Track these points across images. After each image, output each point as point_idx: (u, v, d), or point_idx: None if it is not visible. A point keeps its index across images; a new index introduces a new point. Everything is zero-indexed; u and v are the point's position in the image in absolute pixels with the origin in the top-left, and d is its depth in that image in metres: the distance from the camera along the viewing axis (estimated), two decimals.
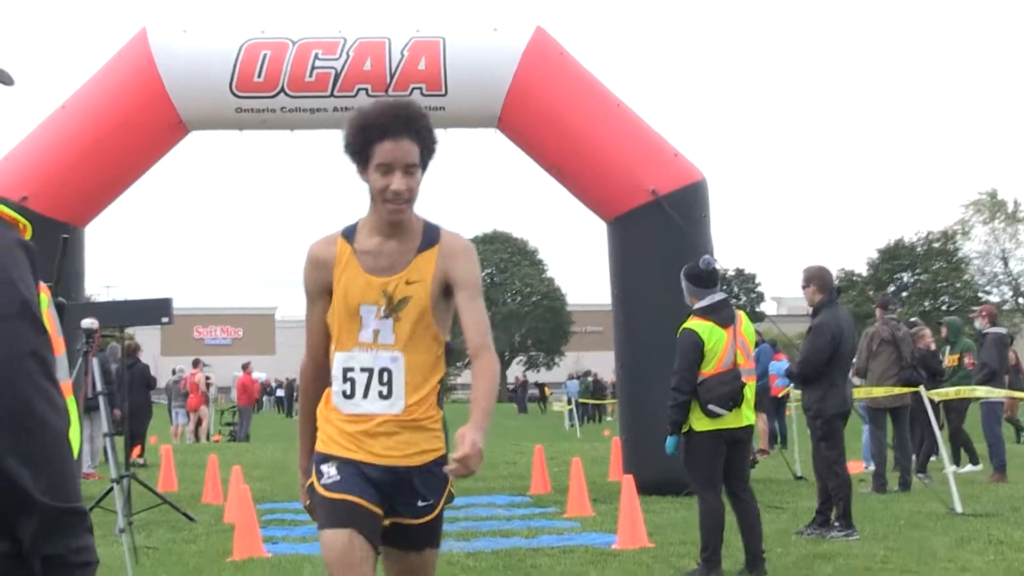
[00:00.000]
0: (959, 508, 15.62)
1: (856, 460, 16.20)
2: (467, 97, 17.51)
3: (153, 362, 30.75)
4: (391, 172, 5.08)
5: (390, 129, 5.04)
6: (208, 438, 39.33)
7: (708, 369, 11.04)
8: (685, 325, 11.30)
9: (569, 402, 48.31)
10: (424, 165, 5.21)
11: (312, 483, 5.34)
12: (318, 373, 5.43)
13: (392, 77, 17.44)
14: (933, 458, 21.03)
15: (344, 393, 5.24)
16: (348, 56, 17.47)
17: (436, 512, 5.33)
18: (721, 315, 11.31)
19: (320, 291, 5.39)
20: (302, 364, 5.53)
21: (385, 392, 5.18)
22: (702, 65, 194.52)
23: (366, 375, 5.20)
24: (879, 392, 17.80)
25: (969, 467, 21.49)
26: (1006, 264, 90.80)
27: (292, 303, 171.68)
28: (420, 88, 17.40)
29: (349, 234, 5.39)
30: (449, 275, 5.26)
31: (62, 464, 2.89)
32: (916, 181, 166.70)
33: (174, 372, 41.14)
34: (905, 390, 17.86)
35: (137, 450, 25.60)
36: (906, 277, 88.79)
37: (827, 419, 13.66)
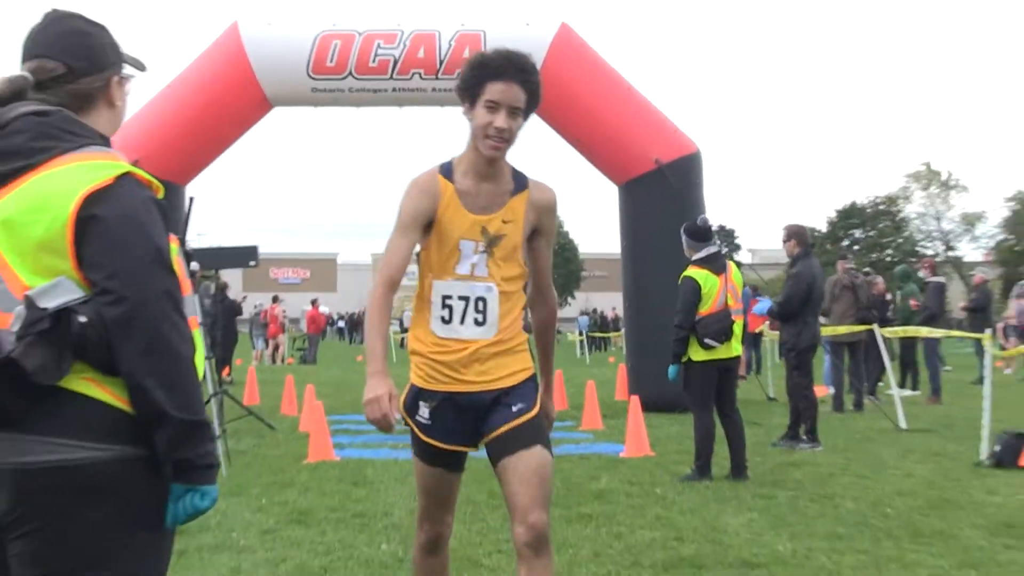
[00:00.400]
0: (903, 425, 15.61)
1: (820, 385, 16.17)
2: None
3: (236, 298, 30.85)
4: (497, 110, 4.69)
5: (504, 72, 4.69)
6: (283, 361, 39.47)
7: (704, 309, 11.09)
8: (685, 273, 11.29)
9: (580, 334, 48.23)
10: (526, 115, 4.82)
11: (406, 412, 5.04)
12: (391, 292, 4.83)
13: (441, 63, 17.39)
14: (880, 383, 21.02)
15: (443, 319, 4.87)
16: (405, 45, 17.42)
17: (533, 413, 4.86)
18: (715, 264, 11.32)
19: (419, 221, 4.84)
20: (375, 285, 4.88)
21: (480, 319, 4.85)
22: (697, 53, 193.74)
23: (463, 303, 4.85)
24: (841, 330, 17.77)
25: (909, 392, 21.43)
26: (939, 223, 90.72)
27: (352, 249, 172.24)
28: None
29: (447, 173, 4.92)
30: (538, 222, 4.98)
31: (190, 385, 2.96)
32: (868, 152, 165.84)
33: (255, 306, 41.41)
34: (861, 328, 17.83)
35: (226, 371, 25.70)
36: (857, 234, 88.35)
37: (800, 351, 13.64)
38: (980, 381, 23.94)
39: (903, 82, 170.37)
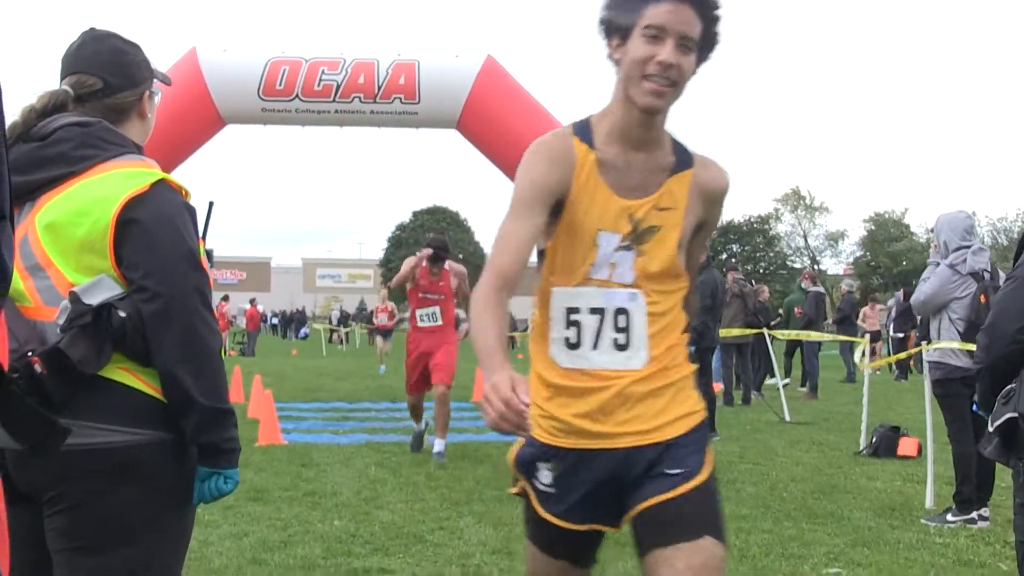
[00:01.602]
0: (788, 418, 15.75)
1: (717, 382, 16.32)
2: (434, 105, 17.46)
3: None
4: (661, 40, 2.94)
5: None
6: (225, 354, 39.08)
7: None
8: None
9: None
10: (701, 57, 3.04)
11: (521, 473, 3.27)
12: (503, 289, 2.93)
13: (380, 88, 17.31)
14: (771, 380, 21.23)
15: (567, 341, 3.10)
16: (347, 72, 17.31)
17: (699, 479, 3.02)
18: None
19: (546, 197, 3.02)
20: (482, 279, 2.97)
21: (622, 341, 3.08)
22: (607, 80, 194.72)
23: (596, 318, 3.07)
24: (735, 332, 17.93)
25: (787, 381, 21.69)
26: (806, 240, 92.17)
27: (284, 254, 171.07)
28: (400, 97, 17.28)
29: (584, 134, 3.11)
30: (705, 214, 3.22)
31: (217, 375, 2.97)
32: (743, 176, 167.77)
33: None
34: (749, 331, 18.03)
35: None
36: (735, 248, 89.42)
37: (701, 351, 13.68)
38: (848, 379, 24.33)
39: (776, 111, 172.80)
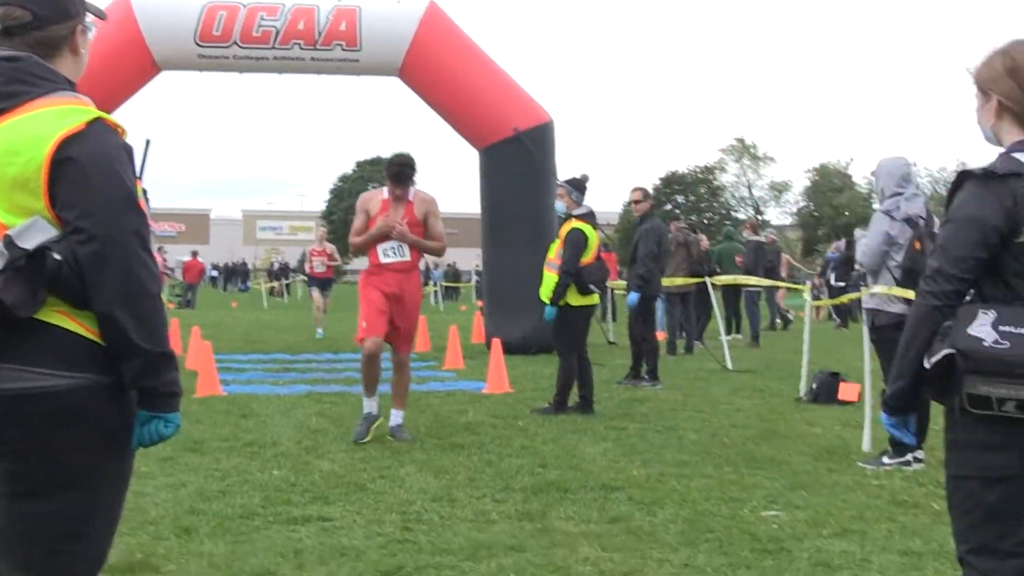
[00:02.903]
0: (730, 366, 15.93)
1: (661, 331, 16.44)
2: (376, 52, 17.34)
3: None
4: None
5: None
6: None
7: (586, 259, 11.08)
8: (574, 226, 11.18)
9: (435, 284, 48.10)
10: None
11: None
12: None
13: (320, 35, 17.17)
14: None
15: None
16: (286, 18, 17.14)
17: None
18: (593, 220, 11.38)
19: None
20: None
21: None
22: (552, 30, 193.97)
23: None
24: (678, 281, 18.06)
25: (734, 335, 21.91)
26: (750, 191, 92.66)
27: (224, 206, 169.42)
28: (341, 44, 17.15)
29: None
30: None
31: (156, 318, 2.94)
32: (689, 126, 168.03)
33: None
34: (693, 280, 18.17)
35: None
36: (680, 199, 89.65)
37: (647, 299, 13.78)
38: (771, 326, 24.78)
39: (721, 61, 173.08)
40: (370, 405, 9.62)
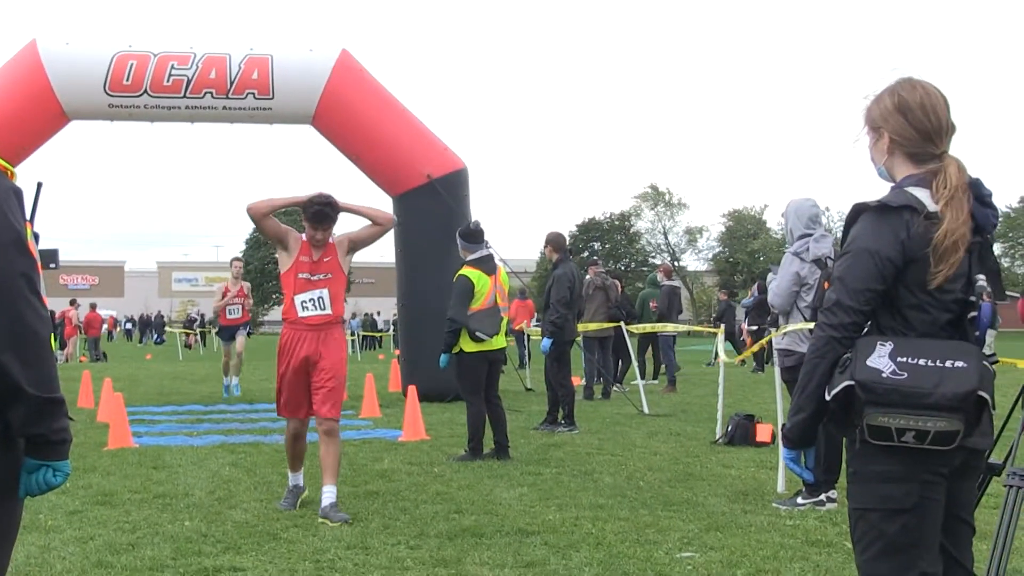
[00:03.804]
0: (647, 410, 15.99)
1: (575, 376, 16.44)
2: (289, 101, 17.23)
3: None
4: None
5: None
6: (69, 360, 38.06)
7: (476, 305, 11.10)
8: (460, 272, 11.28)
9: (353, 334, 47.83)
10: None
11: None
12: None
13: (232, 84, 17.02)
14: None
15: None
16: (197, 67, 16.97)
17: None
18: (487, 266, 11.37)
19: None
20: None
21: None
22: (465, 78, 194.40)
23: None
24: (592, 326, 18.15)
25: (649, 380, 22.01)
26: (666, 237, 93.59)
27: (138, 258, 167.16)
28: (253, 93, 17.03)
29: None
30: None
31: (46, 363, 2.88)
32: (605, 174, 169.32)
33: (49, 311, 40.14)
34: (610, 325, 18.31)
35: None
36: (597, 245, 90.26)
37: (561, 344, 13.80)
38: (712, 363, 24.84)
39: (634, 109, 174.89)
40: (296, 479, 8.88)
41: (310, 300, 8.47)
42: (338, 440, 8.55)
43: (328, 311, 8.49)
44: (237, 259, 20.11)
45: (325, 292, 8.51)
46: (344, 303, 8.87)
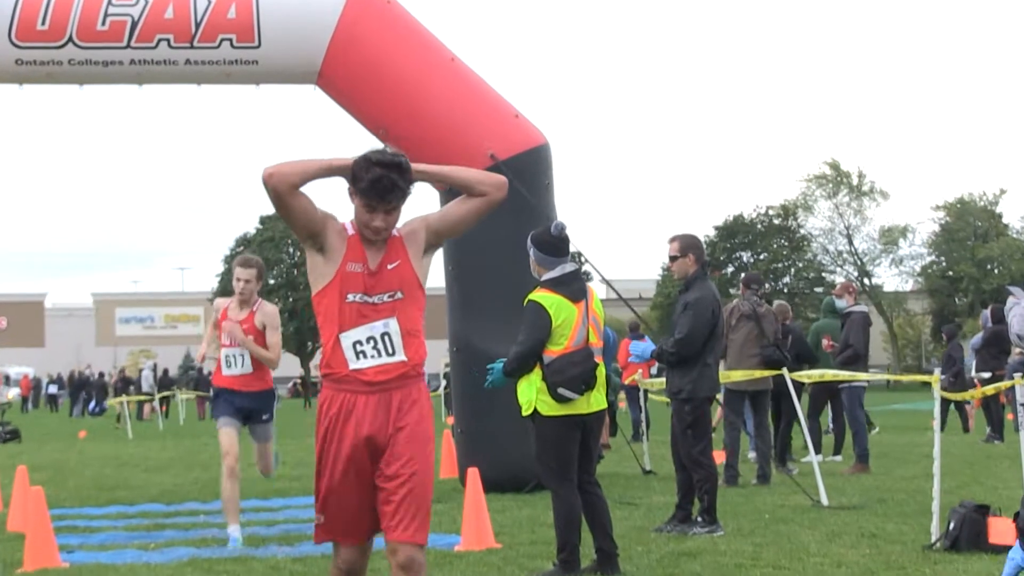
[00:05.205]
0: (825, 501, 15.88)
1: (717, 450, 16.32)
2: (283, 50, 17.24)
3: None
4: None
5: None
6: None
7: (557, 348, 10.94)
8: (531, 296, 11.15)
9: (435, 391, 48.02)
10: None
11: None
12: None
13: (198, 27, 17.07)
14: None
15: None
16: (147, 2, 17.10)
17: None
18: (571, 288, 11.16)
19: None
20: None
21: None
22: (545, 19, 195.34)
23: None
24: (738, 375, 17.95)
25: (829, 456, 21.83)
26: (851, 242, 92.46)
27: (64, 289, 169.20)
28: (230, 39, 17.10)
29: None
30: None
31: None
32: (754, 153, 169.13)
33: None
34: (767, 373, 18.07)
35: None
36: (745, 257, 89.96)
37: (698, 403, 13.69)
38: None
39: (801, 66, 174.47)
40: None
41: (368, 339, 7.51)
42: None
43: (400, 356, 7.53)
44: (246, 258, 14.39)
45: (393, 324, 7.53)
46: (424, 340, 7.80)
